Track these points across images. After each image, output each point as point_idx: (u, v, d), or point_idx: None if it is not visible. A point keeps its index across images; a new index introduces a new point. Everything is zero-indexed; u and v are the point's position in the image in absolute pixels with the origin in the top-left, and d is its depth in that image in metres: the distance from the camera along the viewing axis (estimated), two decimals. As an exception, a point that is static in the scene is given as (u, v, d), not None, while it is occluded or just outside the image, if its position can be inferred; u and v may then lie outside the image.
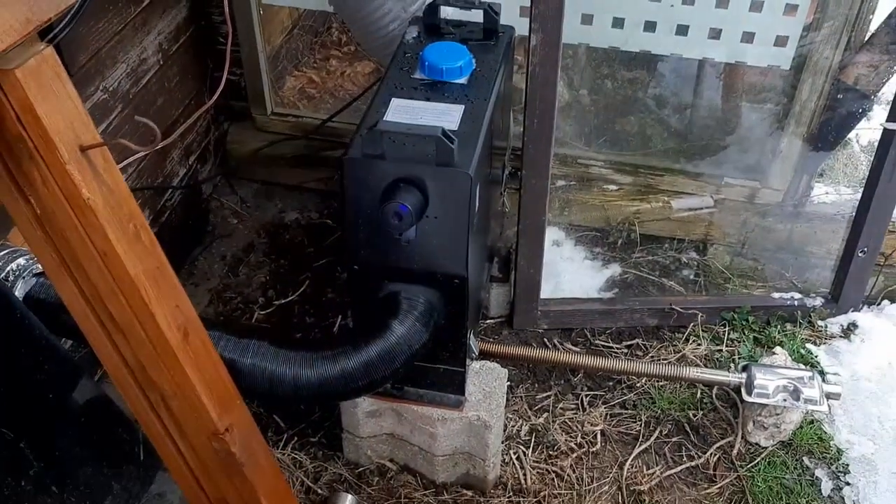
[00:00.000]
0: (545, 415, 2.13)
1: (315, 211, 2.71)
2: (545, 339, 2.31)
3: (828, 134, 2.33)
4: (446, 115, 1.60)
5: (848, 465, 2.04)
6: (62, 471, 1.58)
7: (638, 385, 2.20)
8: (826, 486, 2.00)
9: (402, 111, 1.61)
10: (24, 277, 1.69)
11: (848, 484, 2.00)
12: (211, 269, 2.53)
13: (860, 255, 2.25)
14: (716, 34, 2.20)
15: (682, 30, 2.21)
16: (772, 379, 2.02)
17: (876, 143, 2.15)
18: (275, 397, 1.58)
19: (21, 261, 1.70)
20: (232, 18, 2.34)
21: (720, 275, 2.49)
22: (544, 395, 2.18)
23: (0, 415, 1.42)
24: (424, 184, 1.51)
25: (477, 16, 1.85)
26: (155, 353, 1.39)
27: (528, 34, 1.88)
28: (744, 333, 2.31)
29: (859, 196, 2.23)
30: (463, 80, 1.71)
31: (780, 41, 2.18)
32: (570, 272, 2.49)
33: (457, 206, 1.53)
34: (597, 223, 2.57)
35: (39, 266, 1.70)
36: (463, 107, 1.63)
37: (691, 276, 2.50)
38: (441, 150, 1.47)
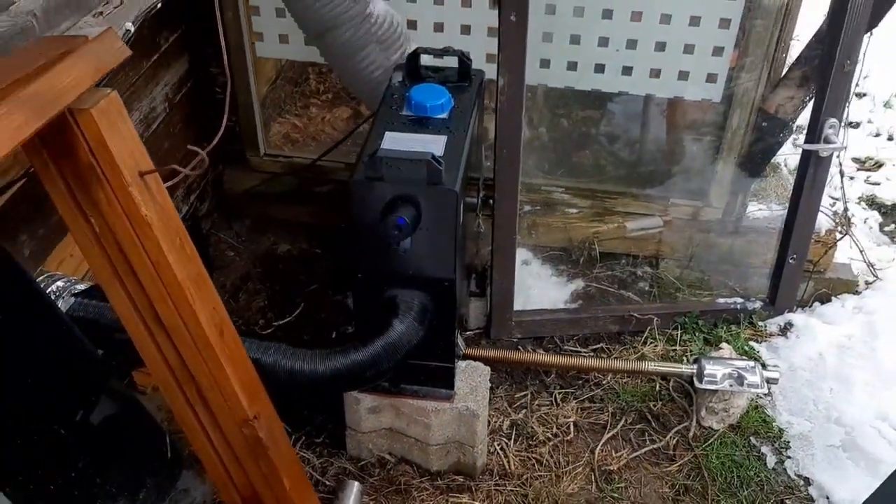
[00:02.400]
0: (524, 411, 2.39)
1: (305, 242, 2.97)
2: (519, 347, 2.58)
3: (756, 157, 2.67)
4: (433, 144, 1.89)
5: (789, 441, 2.33)
6: (103, 465, 1.78)
7: (604, 382, 2.47)
8: (771, 461, 2.28)
9: (396, 141, 1.89)
10: (63, 297, 1.91)
11: (789, 458, 2.29)
12: (212, 297, 2.75)
13: (790, 261, 2.58)
14: (656, 73, 2.53)
15: (627, 70, 2.54)
16: (719, 368, 2.32)
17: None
18: (293, 389, 1.81)
19: (60, 283, 1.92)
20: (230, 70, 2.61)
21: (671, 285, 2.80)
22: (521, 394, 2.44)
23: (55, 415, 1.63)
24: (418, 200, 1.79)
25: (452, 62, 2.15)
26: (196, 349, 1.63)
27: (496, 76, 2.19)
28: (694, 335, 2.61)
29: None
30: (444, 116, 2.00)
31: (711, 78, 2.52)
32: (539, 287, 2.77)
33: (445, 218, 1.81)
34: (560, 243, 2.87)
35: (77, 287, 1.93)
36: (446, 137, 1.92)
37: (646, 288, 2.80)
38: (431, 172, 1.76)
